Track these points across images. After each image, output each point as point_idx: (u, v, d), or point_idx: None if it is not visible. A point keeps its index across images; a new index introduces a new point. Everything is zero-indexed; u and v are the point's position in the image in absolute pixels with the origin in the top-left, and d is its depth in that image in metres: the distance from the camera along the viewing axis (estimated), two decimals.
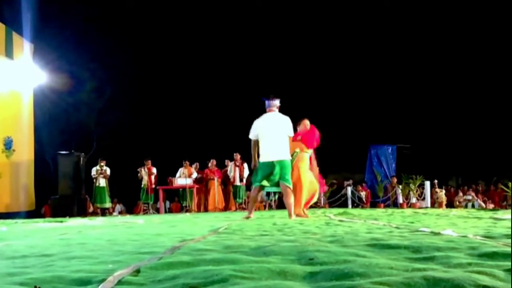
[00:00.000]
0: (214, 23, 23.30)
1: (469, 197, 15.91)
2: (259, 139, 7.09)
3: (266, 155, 7.01)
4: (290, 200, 7.02)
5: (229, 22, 23.21)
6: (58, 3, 19.84)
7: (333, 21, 23.31)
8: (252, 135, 7.15)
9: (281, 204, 15.00)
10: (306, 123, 7.88)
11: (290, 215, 6.96)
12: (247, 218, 7.08)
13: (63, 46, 18.95)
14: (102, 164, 15.15)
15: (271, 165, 6.96)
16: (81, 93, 20.72)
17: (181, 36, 23.31)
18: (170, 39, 23.21)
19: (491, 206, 16.46)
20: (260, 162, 7.13)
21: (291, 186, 7.05)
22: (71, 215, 12.93)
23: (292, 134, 7.16)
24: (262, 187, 7.32)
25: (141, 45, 22.85)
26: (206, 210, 15.40)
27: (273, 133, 6.98)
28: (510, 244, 2.12)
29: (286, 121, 7.06)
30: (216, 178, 15.43)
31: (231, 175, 15.51)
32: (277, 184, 7.18)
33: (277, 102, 7.16)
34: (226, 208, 15.58)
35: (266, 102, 7.17)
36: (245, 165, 15.35)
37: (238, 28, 23.15)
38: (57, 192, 14.10)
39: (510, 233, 3.17)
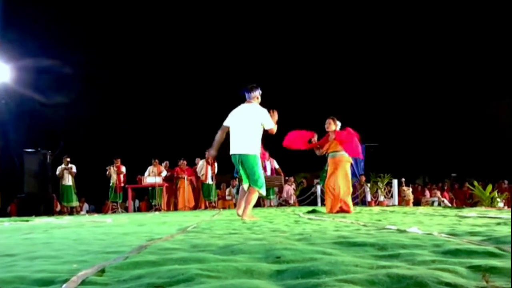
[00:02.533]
0: (183, 19, 23.16)
1: (435, 199, 16.18)
2: (230, 130, 6.67)
3: (231, 148, 6.59)
4: (250, 197, 6.49)
5: (199, 18, 23.11)
6: None
7: (302, 22, 23.41)
8: (225, 122, 6.69)
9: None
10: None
11: (244, 213, 6.47)
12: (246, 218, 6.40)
13: (30, 42, 18.58)
14: (67, 160, 14.90)
15: (234, 159, 6.57)
16: (48, 89, 20.35)
17: (150, 33, 23.10)
18: (138, 36, 22.98)
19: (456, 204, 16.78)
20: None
21: (259, 189, 6.49)
22: (38, 214, 12.72)
23: (269, 126, 6.53)
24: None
25: (110, 42, 22.57)
26: (176, 209, 15.31)
27: (242, 125, 6.51)
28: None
29: (261, 112, 6.53)
30: (186, 177, 15.35)
31: (201, 173, 15.44)
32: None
33: (257, 93, 6.65)
34: (196, 207, 15.52)
35: (246, 94, 6.67)
36: (216, 163, 15.32)
37: (207, 24, 23.06)
38: (23, 191, 13.85)
39: (474, 230, 3.23)
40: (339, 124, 8.33)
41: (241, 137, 6.52)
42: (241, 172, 6.66)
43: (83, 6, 21.42)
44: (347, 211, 8.03)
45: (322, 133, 8.45)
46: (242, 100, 6.74)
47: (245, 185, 6.67)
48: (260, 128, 6.58)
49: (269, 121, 6.56)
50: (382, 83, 23.49)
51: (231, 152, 6.62)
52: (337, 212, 8.01)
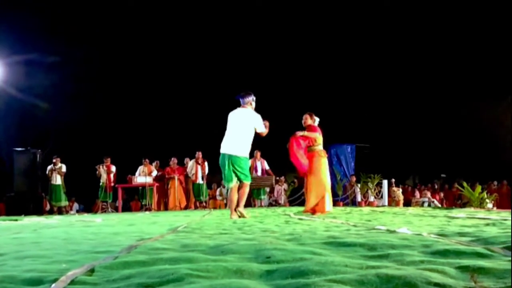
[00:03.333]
0: (173, 21, 23.11)
1: (425, 199, 16.25)
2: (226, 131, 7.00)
3: (223, 147, 6.91)
4: (243, 191, 6.89)
5: (191, 18, 23.07)
6: None
7: (295, 23, 23.44)
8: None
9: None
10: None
11: (239, 205, 6.86)
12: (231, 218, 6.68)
13: (21, 40, 18.48)
14: (55, 161, 14.82)
15: (223, 158, 6.86)
16: (38, 88, 20.23)
17: (140, 34, 23.03)
18: (129, 36, 22.90)
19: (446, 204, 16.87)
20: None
21: (247, 182, 6.91)
22: (27, 213, 12.65)
23: (261, 129, 6.97)
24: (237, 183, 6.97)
25: (101, 41, 22.48)
26: (166, 208, 15.26)
27: (236, 127, 6.86)
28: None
29: (255, 117, 6.92)
30: (176, 177, 15.30)
31: (191, 173, 15.39)
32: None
33: (250, 99, 7.03)
34: (187, 207, 15.48)
35: (240, 99, 7.03)
36: (206, 163, 15.29)
37: (197, 26, 23.04)
38: (13, 190, 13.78)
39: (463, 231, 3.25)
40: (317, 119, 8.23)
41: (234, 138, 6.85)
42: (227, 171, 6.86)
43: (77, 5, 21.32)
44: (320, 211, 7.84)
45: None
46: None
47: (232, 184, 6.90)
48: (253, 132, 6.95)
49: (261, 125, 6.98)
50: (374, 85, 23.57)
51: (222, 151, 6.90)
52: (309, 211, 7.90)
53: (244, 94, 7.02)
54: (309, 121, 8.14)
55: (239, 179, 6.89)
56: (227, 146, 6.86)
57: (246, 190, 6.98)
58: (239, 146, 6.84)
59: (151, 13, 22.86)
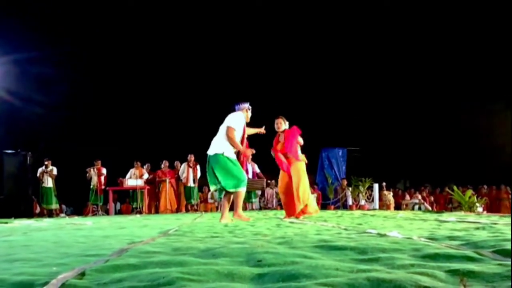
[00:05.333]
0: (165, 24, 23.07)
1: (416, 201, 16.33)
2: None
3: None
4: (237, 200, 6.75)
5: (181, 25, 23.05)
6: None
7: (282, 26, 23.47)
8: None
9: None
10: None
11: (234, 213, 6.82)
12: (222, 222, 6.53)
13: (12, 42, 18.36)
14: (47, 163, 14.76)
15: (207, 160, 6.76)
16: (29, 90, 20.12)
17: (133, 35, 22.97)
18: (121, 38, 22.84)
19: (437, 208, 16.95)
20: None
21: (230, 189, 6.66)
22: (17, 216, 12.56)
23: (232, 125, 6.65)
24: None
25: (94, 43, 22.39)
26: (157, 211, 15.22)
27: (220, 129, 6.78)
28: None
29: (233, 115, 6.78)
30: (168, 179, 15.27)
31: (183, 176, 15.37)
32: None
33: (245, 106, 6.92)
34: (178, 210, 15.45)
35: (236, 106, 6.94)
36: (199, 166, 15.26)
37: (188, 29, 23.02)
38: (2, 192, 13.69)
39: (453, 235, 3.27)
40: (287, 123, 8.08)
41: (215, 139, 6.75)
42: (208, 175, 6.81)
43: (70, 7, 21.22)
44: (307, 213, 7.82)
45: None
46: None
47: (213, 188, 6.92)
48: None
49: (233, 122, 6.68)
50: (365, 89, 23.64)
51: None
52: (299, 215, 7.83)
53: (239, 102, 6.94)
54: (284, 126, 7.88)
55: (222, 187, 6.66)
56: (210, 148, 6.74)
57: (238, 197, 6.71)
58: (217, 144, 6.66)
59: (144, 18, 22.81)
